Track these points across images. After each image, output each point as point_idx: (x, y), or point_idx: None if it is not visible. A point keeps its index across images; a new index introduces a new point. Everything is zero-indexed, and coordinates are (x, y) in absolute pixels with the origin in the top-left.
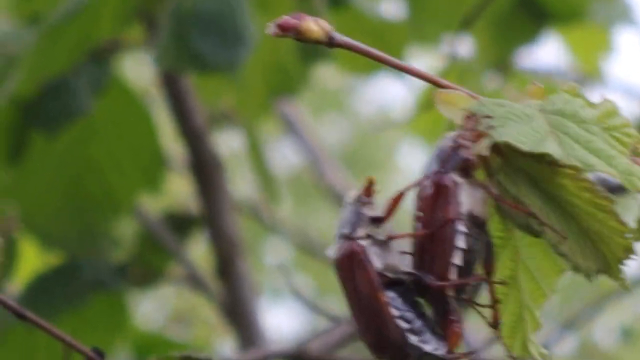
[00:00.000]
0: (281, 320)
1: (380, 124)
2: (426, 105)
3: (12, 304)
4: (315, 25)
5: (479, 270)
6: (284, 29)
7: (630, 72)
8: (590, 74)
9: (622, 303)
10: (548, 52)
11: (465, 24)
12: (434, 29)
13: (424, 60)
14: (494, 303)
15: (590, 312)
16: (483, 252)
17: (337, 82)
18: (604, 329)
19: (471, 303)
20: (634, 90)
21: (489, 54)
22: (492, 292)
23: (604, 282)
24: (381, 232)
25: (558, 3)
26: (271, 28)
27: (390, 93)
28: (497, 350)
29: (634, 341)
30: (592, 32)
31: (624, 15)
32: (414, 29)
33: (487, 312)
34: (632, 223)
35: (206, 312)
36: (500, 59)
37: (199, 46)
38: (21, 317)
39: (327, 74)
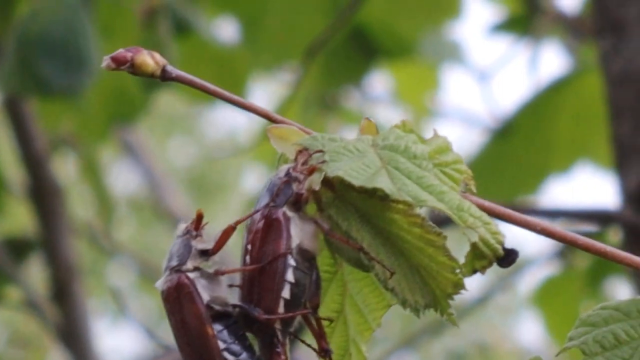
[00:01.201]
0: (122, 342)
1: (227, 148)
2: (264, 136)
3: None
4: (150, 59)
5: (306, 304)
6: (119, 62)
7: (462, 102)
8: (417, 110)
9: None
10: (378, 84)
11: (308, 56)
12: (268, 57)
13: (271, 84)
14: (321, 336)
15: (429, 335)
16: (311, 286)
17: (185, 106)
18: (441, 353)
19: (297, 336)
20: (468, 119)
21: (317, 88)
22: (319, 326)
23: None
24: (210, 265)
25: (388, 39)
26: (106, 61)
27: (237, 118)
28: None
29: None
30: (419, 70)
31: (451, 53)
32: (251, 56)
33: (315, 344)
34: (462, 259)
35: (42, 336)
36: (327, 93)
37: (43, 71)
38: None
39: (173, 99)
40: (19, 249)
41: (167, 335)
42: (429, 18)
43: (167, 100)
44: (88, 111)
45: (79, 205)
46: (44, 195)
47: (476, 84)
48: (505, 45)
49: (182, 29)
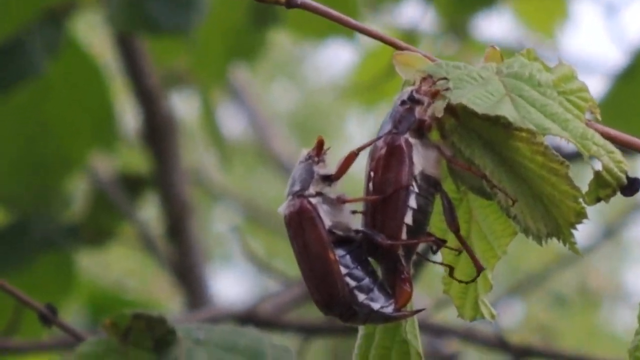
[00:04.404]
0: (229, 286)
1: (331, 92)
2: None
3: None
4: None
5: (435, 229)
6: None
7: (586, 44)
8: (546, 43)
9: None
10: (505, 21)
11: None
12: None
13: (376, 26)
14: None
15: (534, 281)
16: (445, 212)
17: (288, 50)
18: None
19: (425, 257)
20: (592, 64)
21: (446, 20)
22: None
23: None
24: (332, 191)
25: None
26: None
27: (340, 62)
28: (447, 311)
29: (567, 310)
30: (548, 1)
31: None
32: None
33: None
34: (585, 188)
35: (156, 273)
36: (457, 24)
37: (151, 8)
38: None
39: (278, 42)
40: (133, 185)
41: (279, 275)
42: None
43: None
44: (204, 49)
45: (190, 145)
46: (157, 131)
47: (603, 19)
48: None
49: None
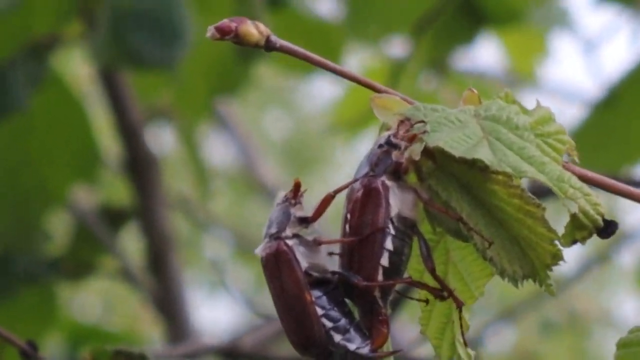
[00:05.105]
0: (219, 313)
1: (322, 122)
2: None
3: None
4: (254, 29)
5: (412, 270)
6: (223, 33)
7: (565, 75)
8: (525, 77)
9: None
10: (485, 54)
11: (420, 29)
12: (375, 29)
13: (359, 57)
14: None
15: (526, 306)
16: (422, 250)
17: (280, 79)
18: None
19: (404, 295)
20: (571, 93)
21: (426, 55)
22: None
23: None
24: (309, 232)
25: (496, 6)
26: (210, 31)
27: (332, 91)
28: (424, 350)
29: (554, 335)
30: (528, 36)
31: (560, 19)
32: (353, 28)
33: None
34: (561, 229)
35: (136, 305)
36: (437, 59)
37: (136, 43)
38: None
39: (268, 72)
40: (114, 218)
41: (265, 306)
42: None
43: (262, 73)
44: (187, 83)
45: (174, 177)
46: (139, 165)
47: (581, 54)
48: (610, 16)
49: (277, 1)
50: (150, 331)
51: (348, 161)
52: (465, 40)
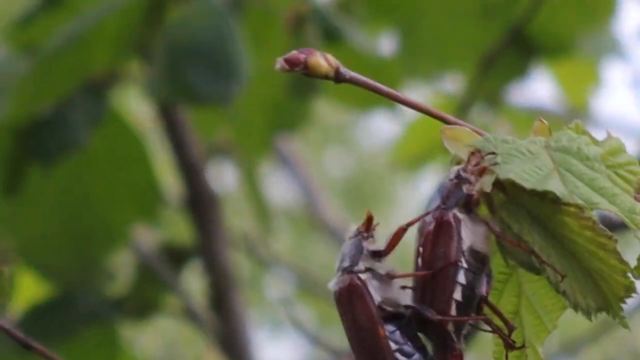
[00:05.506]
0: (281, 354)
1: (383, 158)
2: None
3: (18, 334)
4: (323, 61)
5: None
6: (292, 64)
7: (619, 105)
8: (579, 108)
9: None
10: (537, 87)
11: (485, 67)
12: (427, 66)
13: (413, 94)
14: (497, 329)
15: (587, 341)
16: (482, 286)
17: (340, 116)
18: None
19: (478, 327)
20: (624, 125)
21: (479, 89)
22: (496, 325)
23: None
24: (381, 266)
25: (546, 37)
26: (279, 63)
27: (391, 128)
28: None
29: None
30: (580, 66)
31: (612, 49)
32: (405, 65)
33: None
34: (633, 261)
35: (201, 346)
36: (490, 93)
37: (191, 79)
38: (27, 347)
39: (329, 109)
40: (176, 257)
41: (332, 342)
42: (585, 16)
43: (322, 110)
44: (245, 120)
45: (236, 216)
46: (200, 203)
47: (632, 85)
48: None
49: (332, 36)
50: None
51: (409, 199)
52: (517, 74)
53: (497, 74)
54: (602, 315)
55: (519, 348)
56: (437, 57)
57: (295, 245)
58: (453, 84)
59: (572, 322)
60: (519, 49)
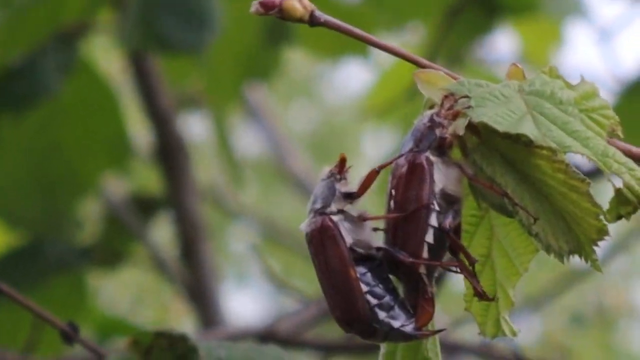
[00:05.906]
0: (245, 305)
1: (349, 111)
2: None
3: None
4: (298, 4)
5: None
6: (267, 8)
7: (580, 63)
8: (540, 65)
9: (572, 288)
10: (500, 44)
11: (449, 21)
12: (393, 17)
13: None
14: (473, 278)
15: (548, 297)
16: (447, 219)
17: (306, 69)
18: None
19: (448, 269)
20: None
21: (442, 43)
22: (471, 268)
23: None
24: (354, 208)
25: None
26: (254, 6)
27: (358, 79)
28: (467, 329)
29: (584, 327)
30: (543, 25)
31: (575, 9)
32: (379, 14)
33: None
34: (605, 206)
35: (165, 295)
36: (453, 51)
37: (164, 27)
38: None
39: (295, 61)
40: (145, 207)
41: (299, 291)
42: None
43: (289, 65)
44: (217, 69)
45: (204, 166)
46: (170, 153)
47: (596, 43)
48: (624, 5)
49: None
50: (180, 322)
51: (373, 153)
52: (482, 31)
53: (461, 31)
54: (565, 269)
55: (489, 299)
56: (400, 8)
57: (262, 196)
58: (415, 36)
59: (534, 277)
60: (484, 6)
